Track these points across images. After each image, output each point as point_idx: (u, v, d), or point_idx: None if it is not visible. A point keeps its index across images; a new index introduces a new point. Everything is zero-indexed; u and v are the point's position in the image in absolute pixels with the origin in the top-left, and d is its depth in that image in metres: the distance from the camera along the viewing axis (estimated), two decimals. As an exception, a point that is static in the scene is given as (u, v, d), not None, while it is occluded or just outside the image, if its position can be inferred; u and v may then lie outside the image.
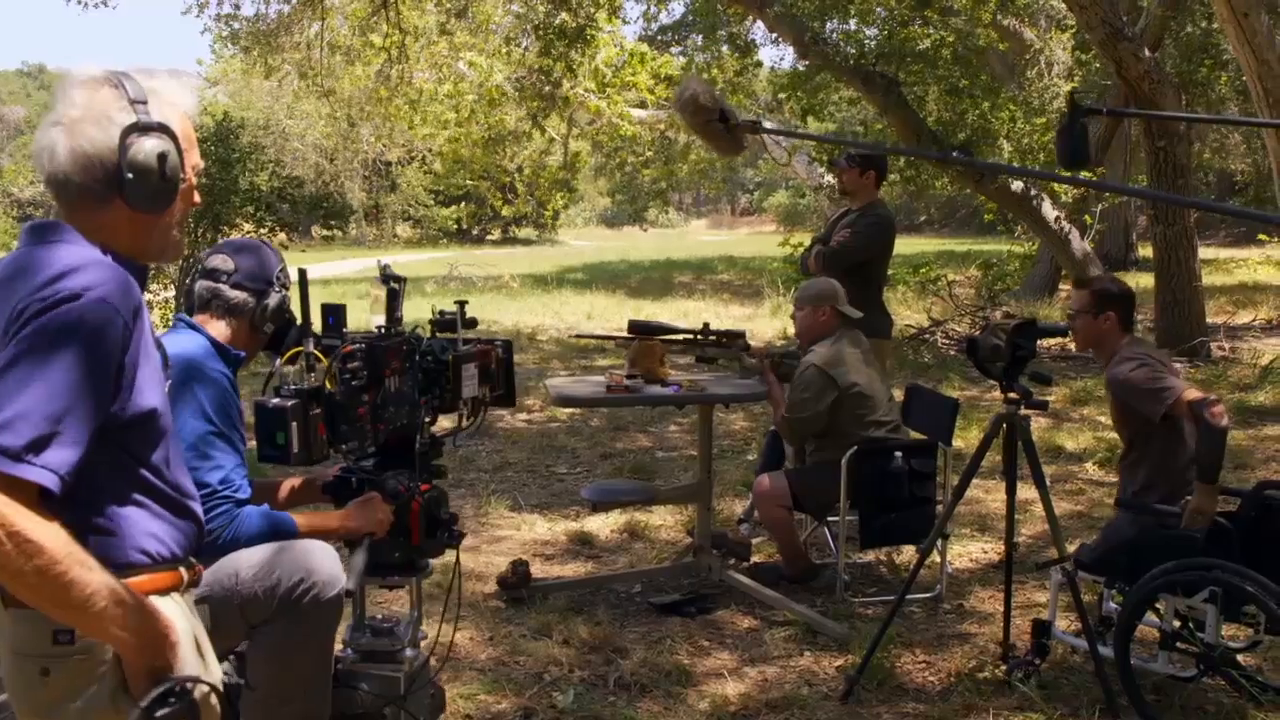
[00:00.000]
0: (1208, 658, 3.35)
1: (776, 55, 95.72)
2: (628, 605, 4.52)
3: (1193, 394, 3.51)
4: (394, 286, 2.72)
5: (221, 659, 2.68)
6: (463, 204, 38.11)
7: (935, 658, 3.96)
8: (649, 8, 20.34)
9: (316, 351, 2.47)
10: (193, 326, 2.71)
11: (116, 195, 1.70)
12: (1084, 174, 12.34)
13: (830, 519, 4.78)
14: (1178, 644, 3.45)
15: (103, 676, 1.64)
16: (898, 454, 4.42)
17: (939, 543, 4.34)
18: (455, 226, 40.77)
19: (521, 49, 15.02)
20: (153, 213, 1.75)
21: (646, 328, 4.70)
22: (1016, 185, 11.41)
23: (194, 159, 1.82)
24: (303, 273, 2.51)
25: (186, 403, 2.52)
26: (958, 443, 5.62)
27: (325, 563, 2.51)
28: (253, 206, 12.37)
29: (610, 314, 15.23)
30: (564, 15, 13.41)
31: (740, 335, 4.81)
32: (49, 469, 1.51)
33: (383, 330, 2.70)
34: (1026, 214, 11.85)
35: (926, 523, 4.33)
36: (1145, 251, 17.49)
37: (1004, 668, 3.72)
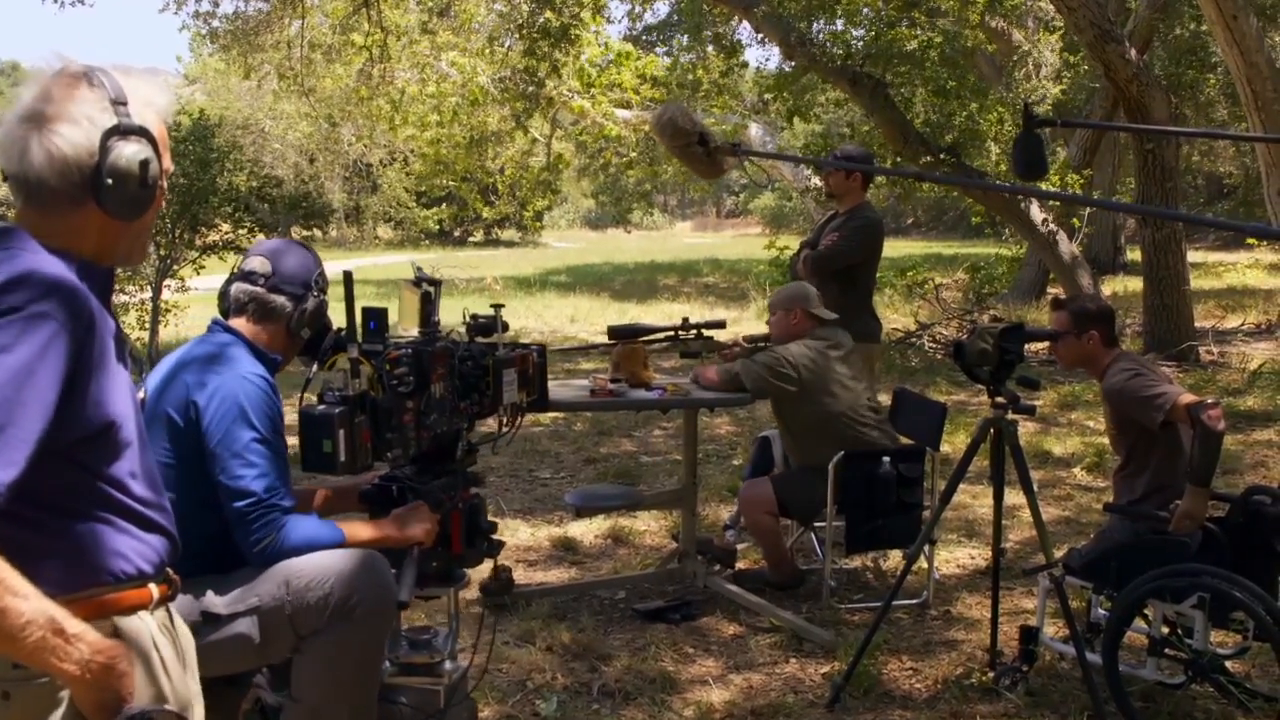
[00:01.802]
0: (1196, 664, 3.32)
1: (762, 56, 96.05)
2: (611, 612, 4.47)
3: (1189, 397, 3.48)
4: (428, 290, 2.66)
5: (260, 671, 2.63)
6: (445, 205, 37.96)
7: (922, 664, 3.92)
8: (634, 7, 20.24)
9: (361, 356, 2.41)
10: (229, 330, 2.65)
11: (90, 199, 1.62)
12: (1071, 178, 12.42)
13: (817, 524, 4.74)
14: (1166, 650, 3.42)
15: (64, 703, 1.56)
16: (885, 459, 4.38)
17: (926, 548, 4.31)
18: (437, 228, 40.61)
19: (505, 48, 14.93)
20: (128, 219, 1.68)
21: (625, 331, 4.65)
22: (1003, 186, 11.39)
23: (166, 162, 1.74)
24: (348, 275, 2.43)
25: (228, 410, 2.47)
26: (945, 447, 5.57)
27: (378, 573, 2.46)
28: (231, 207, 12.21)
29: (594, 317, 15.17)
30: (548, 14, 13.34)
31: (721, 324, 4.77)
32: None
33: (424, 335, 2.65)
34: (1014, 217, 11.84)
35: (913, 528, 4.30)
36: (1134, 255, 17.54)
37: (991, 674, 3.69)
